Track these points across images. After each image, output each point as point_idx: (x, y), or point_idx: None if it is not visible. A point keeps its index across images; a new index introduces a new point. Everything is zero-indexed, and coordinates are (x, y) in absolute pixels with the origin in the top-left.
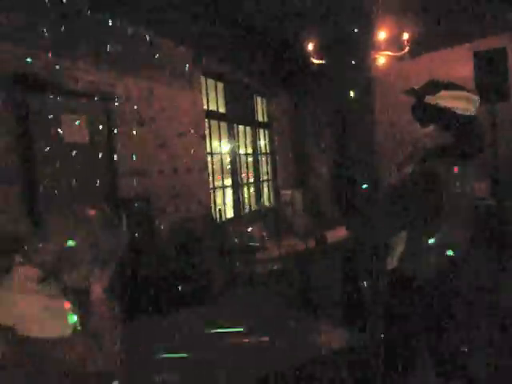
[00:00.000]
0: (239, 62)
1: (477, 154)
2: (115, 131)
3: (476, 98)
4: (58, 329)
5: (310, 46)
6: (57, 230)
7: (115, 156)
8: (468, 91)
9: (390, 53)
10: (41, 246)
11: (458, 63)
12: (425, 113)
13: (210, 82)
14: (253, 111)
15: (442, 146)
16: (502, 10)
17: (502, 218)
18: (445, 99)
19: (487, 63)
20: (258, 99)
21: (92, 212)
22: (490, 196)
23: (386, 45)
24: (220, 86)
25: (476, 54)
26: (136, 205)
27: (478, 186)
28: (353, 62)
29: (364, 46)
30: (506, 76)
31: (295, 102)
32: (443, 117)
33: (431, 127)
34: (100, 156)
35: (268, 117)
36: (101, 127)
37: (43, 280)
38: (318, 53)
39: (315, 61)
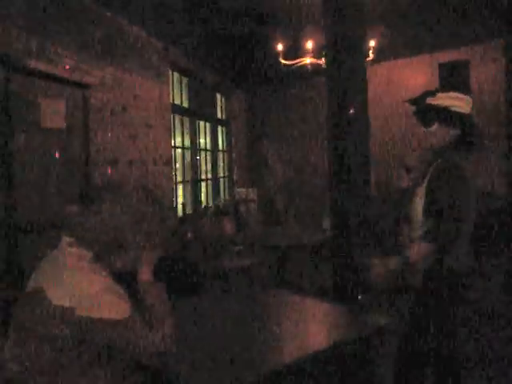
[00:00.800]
0: (204, 59)
1: (479, 147)
2: (90, 119)
3: (469, 98)
4: (118, 310)
5: (280, 47)
6: (107, 212)
7: (89, 144)
8: (460, 92)
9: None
10: (92, 227)
11: (416, 72)
12: (427, 114)
13: (176, 76)
14: (214, 108)
15: (450, 141)
16: (463, 24)
17: None
18: (443, 99)
19: (451, 74)
20: (218, 96)
21: (140, 196)
22: None
23: None
24: (184, 80)
25: (441, 66)
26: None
27: None
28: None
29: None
30: (467, 86)
31: (253, 101)
32: (446, 114)
33: (435, 126)
34: (76, 143)
35: (226, 114)
36: (77, 114)
37: (95, 261)
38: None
39: (284, 61)
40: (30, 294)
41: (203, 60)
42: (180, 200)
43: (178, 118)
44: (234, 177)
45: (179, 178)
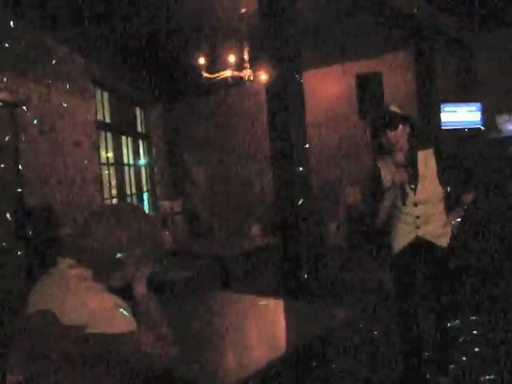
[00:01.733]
0: (123, 73)
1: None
2: (20, 139)
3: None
4: (126, 323)
5: (202, 61)
6: (104, 232)
7: (19, 164)
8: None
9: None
10: (90, 247)
11: (330, 82)
12: (394, 120)
13: (98, 91)
14: (134, 122)
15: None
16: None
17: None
18: (396, 108)
19: (366, 84)
20: (138, 110)
21: (136, 214)
22: (359, 201)
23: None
24: (105, 95)
25: (357, 76)
26: (40, 214)
27: (351, 192)
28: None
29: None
30: (381, 94)
31: (173, 114)
32: (403, 117)
33: (400, 128)
34: (6, 164)
35: (146, 128)
36: (6, 134)
37: (96, 280)
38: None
39: (206, 75)
40: (36, 315)
41: (123, 74)
42: None
43: (102, 134)
44: (158, 190)
45: (106, 195)
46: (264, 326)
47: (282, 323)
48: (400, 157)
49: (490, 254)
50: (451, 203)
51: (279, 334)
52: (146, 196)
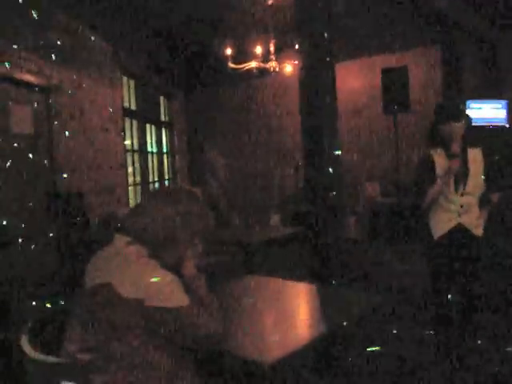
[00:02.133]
0: (150, 61)
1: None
2: (53, 124)
3: None
4: (179, 299)
5: (229, 51)
6: (159, 212)
7: (54, 149)
8: None
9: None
10: (146, 226)
11: (355, 75)
12: (460, 113)
13: (124, 79)
14: (158, 110)
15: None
16: (403, 29)
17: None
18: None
19: (392, 79)
20: (162, 99)
21: (189, 197)
22: (378, 195)
23: (292, 55)
24: (131, 83)
25: (383, 71)
26: (70, 199)
27: (371, 186)
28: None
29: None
30: (406, 90)
31: (196, 103)
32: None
33: (463, 121)
34: (42, 149)
35: (170, 117)
36: (43, 119)
37: (152, 257)
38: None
39: (232, 65)
40: (96, 288)
41: (149, 62)
42: (132, 203)
43: (128, 121)
44: (178, 178)
45: (131, 182)
46: (299, 309)
47: (317, 307)
48: (455, 147)
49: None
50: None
51: (315, 317)
52: (167, 184)
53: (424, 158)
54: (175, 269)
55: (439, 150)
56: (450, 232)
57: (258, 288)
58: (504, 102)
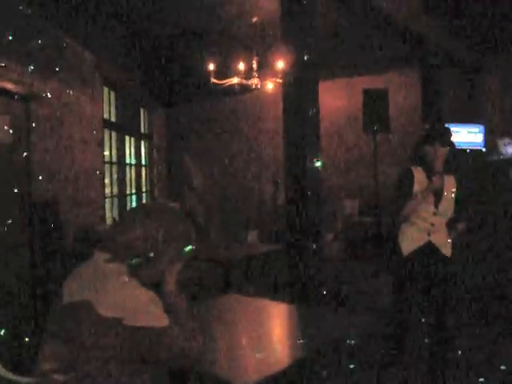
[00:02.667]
0: (132, 73)
1: None
2: (32, 133)
3: None
4: (160, 319)
5: (211, 67)
6: (140, 229)
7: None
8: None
9: (278, 80)
10: (127, 243)
11: (335, 95)
12: (447, 138)
13: (105, 90)
14: (138, 123)
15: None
16: (384, 51)
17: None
18: None
19: (373, 99)
20: (142, 111)
21: (171, 213)
22: (356, 213)
23: (273, 72)
24: (112, 94)
25: (365, 91)
26: (47, 209)
27: (349, 204)
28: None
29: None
30: (387, 111)
31: (176, 116)
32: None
33: (448, 147)
34: (19, 158)
35: (149, 129)
36: (21, 128)
37: (132, 274)
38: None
39: (215, 81)
40: (73, 305)
41: (131, 75)
42: (108, 215)
43: (107, 133)
44: (156, 191)
45: (108, 193)
46: (277, 329)
47: (296, 328)
48: (437, 167)
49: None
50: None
51: (294, 339)
52: (144, 196)
53: (405, 173)
54: (155, 286)
55: (419, 168)
56: (420, 250)
57: (237, 307)
58: (481, 127)
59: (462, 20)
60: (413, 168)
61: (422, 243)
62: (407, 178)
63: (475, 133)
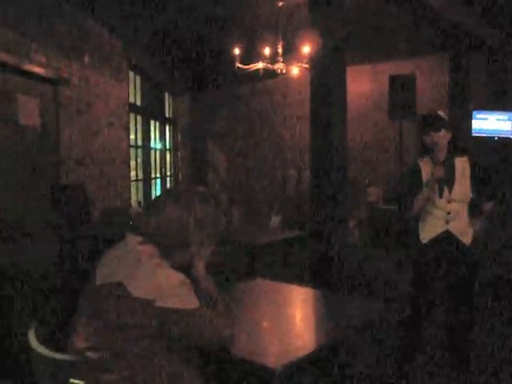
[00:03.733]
0: (157, 58)
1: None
2: (61, 116)
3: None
4: (190, 301)
5: (237, 51)
6: (172, 212)
7: (59, 141)
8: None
9: (303, 65)
10: (159, 226)
11: (362, 81)
12: (438, 122)
13: (131, 74)
14: (163, 107)
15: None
16: (412, 37)
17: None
18: (443, 113)
19: (399, 85)
20: (167, 95)
21: (203, 197)
22: (381, 201)
23: (299, 57)
24: (137, 79)
25: (391, 78)
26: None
27: (373, 192)
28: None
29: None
30: (413, 97)
31: (200, 101)
32: (447, 122)
33: (443, 131)
34: (48, 141)
35: (174, 114)
36: (50, 112)
37: (164, 257)
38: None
39: (240, 65)
40: (107, 286)
41: (156, 59)
42: (134, 198)
43: (132, 117)
44: (180, 176)
45: (133, 177)
46: (305, 314)
47: (321, 313)
48: (439, 156)
49: None
50: (473, 208)
51: (319, 324)
52: (168, 180)
53: (412, 167)
54: (186, 270)
55: (426, 159)
56: (438, 238)
57: (265, 292)
58: (510, 114)
59: (491, 4)
60: (419, 160)
61: (439, 231)
62: (414, 173)
63: (504, 120)
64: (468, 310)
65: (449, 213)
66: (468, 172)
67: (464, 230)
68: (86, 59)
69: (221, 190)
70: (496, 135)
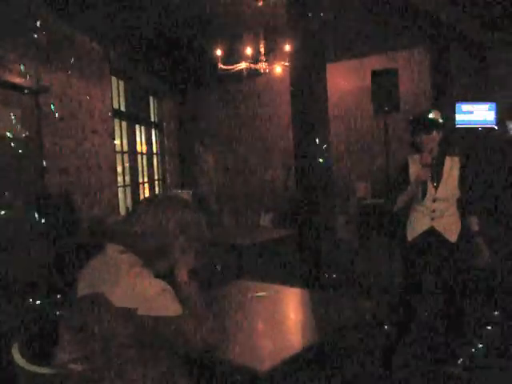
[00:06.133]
0: (140, 62)
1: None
2: (42, 126)
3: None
4: (173, 308)
5: (219, 52)
6: (152, 220)
7: (43, 150)
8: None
9: (286, 63)
10: (138, 234)
11: (345, 77)
12: (431, 125)
13: (113, 79)
14: (148, 111)
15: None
16: (392, 31)
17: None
18: (435, 114)
19: (382, 80)
20: (151, 99)
21: (182, 204)
22: (369, 196)
23: (281, 56)
24: (121, 84)
25: (373, 72)
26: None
27: (361, 187)
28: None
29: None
30: (396, 91)
31: (186, 104)
32: (440, 124)
33: (434, 133)
34: (32, 151)
35: (159, 117)
36: (32, 121)
37: (144, 266)
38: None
39: (222, 66)
40: (88, 298)
41: (139, 63)
42: (122, 204)
43: (117, 122)
44: (168, 179)
45: (120, 183)
46: (292, 315)
47: (309, 313)
48: (426, 158)
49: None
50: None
51: (307, 323)
52: (157, 184)
53: (400, 164)
54: (168, 277)
55: (416, 156)
56: (423, 235)
57: (250, 293)
58: (493, 105)
59: None
60: (410, 157)
61: (424, 229)
62: (402, 170)
63: (487, 111)
64: (459, 298)
65: (434, 211)
66: (456, 171)
67: (450, 228)
68: (67, 66)
69: (210, 192)
70: (480, 125)
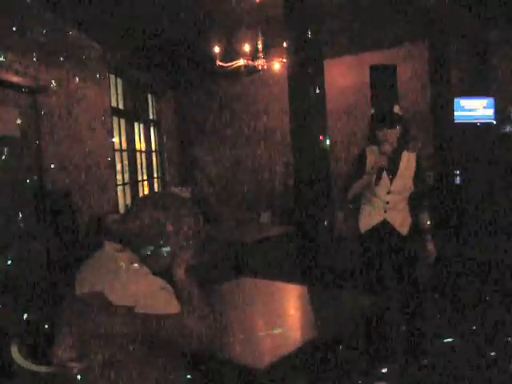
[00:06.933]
0: (138, 60)
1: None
2: (41, 124)
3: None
4: (171, 306)
5: (217, 49)
6: (149, 217)
7: (41, 150)
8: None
9: (284, 60)
10: (136, 232)
11: (344, 72)
12: (395, 120)
13: (112, 77)
14: (146, 109)
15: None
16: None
17: None
18: (399, 109)
19: (380, 76)
20: (150, 97)
21: (179, 202)
22: None
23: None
24: (119, 82)
25: (372, 68)
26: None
27: None
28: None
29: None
30: (395, 87)
31: (184, 101)
32: (402, 119)
33: (398, 128)
34: (30, 150)
35: (158, 115)
36: (30, 120)
37: (143, 263)
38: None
39: (221, 63)
40: (86, 296)
41: (137, 61)
42: (121, 202)
43: (116, 120)
44: (167, 177)
45: (119, 181)
46: (291, 311)
47: (308, 309)
48: (386, 147)
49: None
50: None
51: (307, 320)
52: (156, 182)
53: (359, 154)
54: (166, 275)
55: (374, 148)
56: (376, 227)
57: (250, 290)
58: (491, 100)
59: None
60: (368, 148)
61: (377, 221)
62: (359, 160)
63: (486, 106)
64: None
65: (387, 203)
66: (413, 167)
67: (401, 221)
68: (65, 65)
69: (209, 189)
70: (478, 121)
